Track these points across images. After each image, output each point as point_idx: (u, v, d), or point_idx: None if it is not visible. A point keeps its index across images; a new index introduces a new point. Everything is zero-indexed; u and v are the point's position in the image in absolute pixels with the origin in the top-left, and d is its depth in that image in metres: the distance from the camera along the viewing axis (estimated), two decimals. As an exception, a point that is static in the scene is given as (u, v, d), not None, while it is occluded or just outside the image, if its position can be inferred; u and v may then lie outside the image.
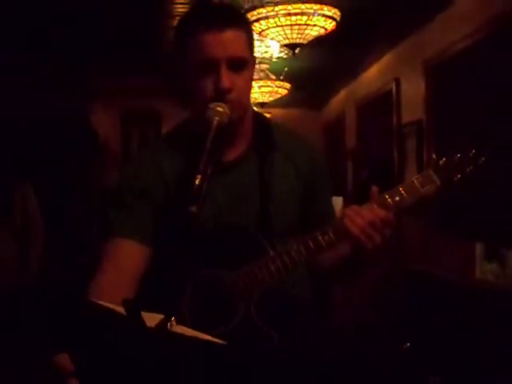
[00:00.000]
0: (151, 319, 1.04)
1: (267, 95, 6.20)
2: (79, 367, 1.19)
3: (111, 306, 1.10)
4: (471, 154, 1.46)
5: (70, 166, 7.24)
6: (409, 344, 3.56)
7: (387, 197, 1.44)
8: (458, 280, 3.79)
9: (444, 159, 1.45)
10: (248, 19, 1.65)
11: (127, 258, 1.52)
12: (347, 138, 7.82)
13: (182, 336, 1.02)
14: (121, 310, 1.05)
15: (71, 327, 1.17)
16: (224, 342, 1.02)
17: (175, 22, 4.85)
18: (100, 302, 1.14)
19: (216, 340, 1.02)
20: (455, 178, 1.44)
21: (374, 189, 1.45)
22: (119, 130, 8.48)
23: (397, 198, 1.43)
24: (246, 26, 1.53)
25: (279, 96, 6.32)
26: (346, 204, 6.38)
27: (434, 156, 1.45)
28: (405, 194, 1.43)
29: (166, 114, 8.10)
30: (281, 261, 1.43)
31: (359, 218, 1.40)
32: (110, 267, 1.52)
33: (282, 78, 6.20)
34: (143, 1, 4.39)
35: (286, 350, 1.43)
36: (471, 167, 1.44)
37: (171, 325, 1.04)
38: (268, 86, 6.05)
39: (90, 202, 6.78)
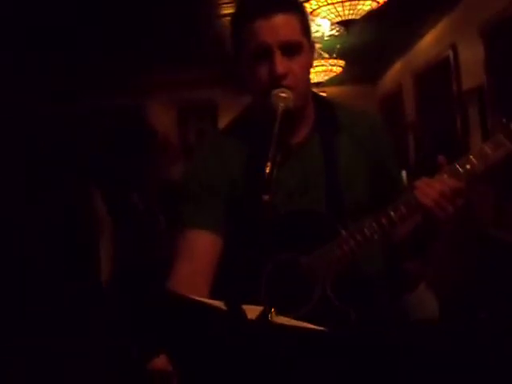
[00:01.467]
0: (250, 311, 1.05)
1: (322, 74, 6.18)
2: (179, 366, 1.21)
3: (208, 300, 1.12)
4: None
5: (131, 164, 7.37)
6: (485, 313, 3.48)
7: (458, 166, 1.41)
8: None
9: None
10: (301, 3, 1.63)
11: (202, 249, 1.54)
12: (406, 110, 7.68)
13: (283, 326, 1.04)
14: (218, 304, 1.07)
15: (166, 324, 1.19)
16: (324, 329, 1.03)
17: (222, 11, 4.86)
18: (196, 298, 1.16)
19: (317, 328, 1.03)
20: None
21: (442, 159, 1.42)
22: (177, 123, 8.58)
23: (468, 167, 1.40)
24: (299, 10, 1.51)
25: (334, 74, 6.28)
26: (409, 177, 6.29)
27: (504, 120, 1.41)
28: (475, 162, 1.40)
29: (223, 104, 8.16)
30: (354, 240, 1.43)
31: (430, 189, 1.39)
32: (186, 259, 1.54)
33: (335, 55, 6.15)
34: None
35: (364, 328, 1.43)
36: None
37: (272, 316, 1.05)
38: (322, 65, 6.02)
39: (155, 197, 6.89)
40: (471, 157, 1.41)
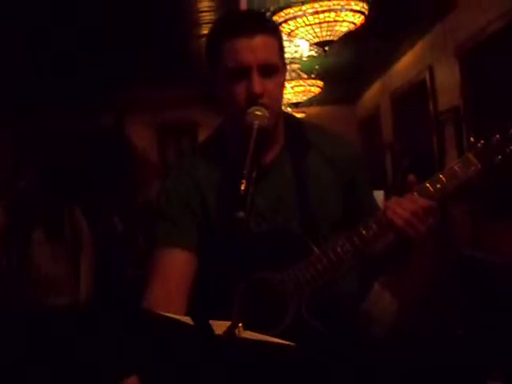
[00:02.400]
0: (217, 327, 1.05)
1: (300, 95, 6.20)
2: None
3: (175, 316, 1.12)
4: (510, 134, 1.42)
5: (111, 183, 7.33)
6: (462, 331, 3.49)
7: (428, 185, 1.43)
8: (508, 262, 3.73)
9: (482, 141, 1.43)
10: (277, 25, 1.66)
11: (177, 268, 1.53)
12: (384, 131, 7.76)
13: (251, 341, 1.04)
14: (186, 319, 1.07)
15: (137, 343, 1.18)
16: (293, 344, 1.03)
17: (203, 31, 4.89)
18: (164, 313, 1.16)
19: (285, 342, 1.03)
20: (496, 160, 1.41)
21: (411, 178, 1.44)
22: (156, 142, 8.57)
23: (438, 186, 1.42)
24: (276, 32, 1.55)
25: (312, 94, 6.31)
26: (387, 197, 6.33)
27: (472, 139, 1.44)
28: (446, 181, 1.42)
29: (203, 124, 8.16)
30: (327, 259, 1.44)
31: (401, 209, 1.40)
32: (161, 279, 1.53)
33: (313, 76, 6.19)
34: (169, 12, 4.43)
35: (339, 348, 1.43)
36: (511, 147, 1.41)
37: (239, 331, 1.05)
38: (301, 86, 6.04)
39: (134, 216, 6.86)
40: (441, 176, 1.43)
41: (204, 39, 1.63)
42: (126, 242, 6.40)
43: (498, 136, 1.43)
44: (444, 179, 1.42)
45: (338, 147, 1.63)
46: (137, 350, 1.18)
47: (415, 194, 1.42)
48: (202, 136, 8.19)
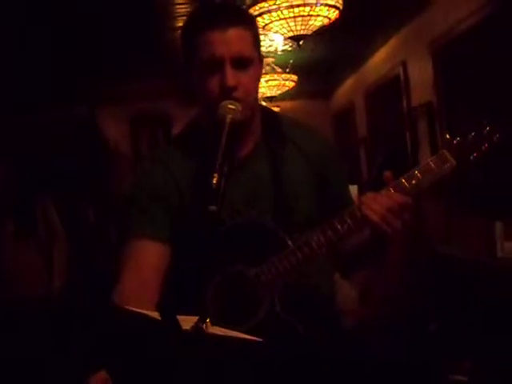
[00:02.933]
0: (185, 322, 1.04)
1: (275, 89, 6.20)
2: (119, 382, 1.19)
3: (143, 311, 1.11)
4: (485, 132, 1.44)
5: (83, 175, 7.26)
6: (435, 325, 3.53)
7: (404, 181, 1.43)
8: (480, 260, 3.77)
9: (458, 139, 1.44)
10: (253, 17, 1.65)
11: (149, 260, 1.52)
12: (358, 125, 7.79)
13: (218, 336, 1.03)
14: (154, 314, 1.05)
15: (105, 338, 1.17)
16: (260, 340, 1.02)
17: (177, 23, 4.86)
18: (131, 308, 1.15)
19: (252, 338, 1.03)
20: (471, 157, 1.43)
21: (388, 174, 1.45)
22: (129, 134, 8.49)
23: (413, 182, 1.43)
24: (251, 25, 1.54)
25: (287, 89, 6.32)
26: (361, 192, 6.37)
27: (447, 136, 1.44)
28: (421, 177, 1.43)
29: (176, 115, 8.10)
30: (301, 252, 1.44)
31: (377, 204, 1.40)
32: (133, 270, 1.53)
33: (288, 70, 6.20)
34: (145, 3, 4.40)
35: (312, 342, 1.43)
36: (486, 145, 1.43)
37: (206, 326, 1.04)
38: (275, 80, 6.05)
39: (107, 208, 6.80)
40: (417, 172, 1.43)
41: (179, 31, 1.62)
42: (98, 235, 6.36)
43: (473, 134, 1.44)
44: (419, 175, 1.43)
45: (313, 142, 1.64)
46: (105, 345, 1.17)
47: (391, 189, 1.43)
48: (175, 128, 8.13)
